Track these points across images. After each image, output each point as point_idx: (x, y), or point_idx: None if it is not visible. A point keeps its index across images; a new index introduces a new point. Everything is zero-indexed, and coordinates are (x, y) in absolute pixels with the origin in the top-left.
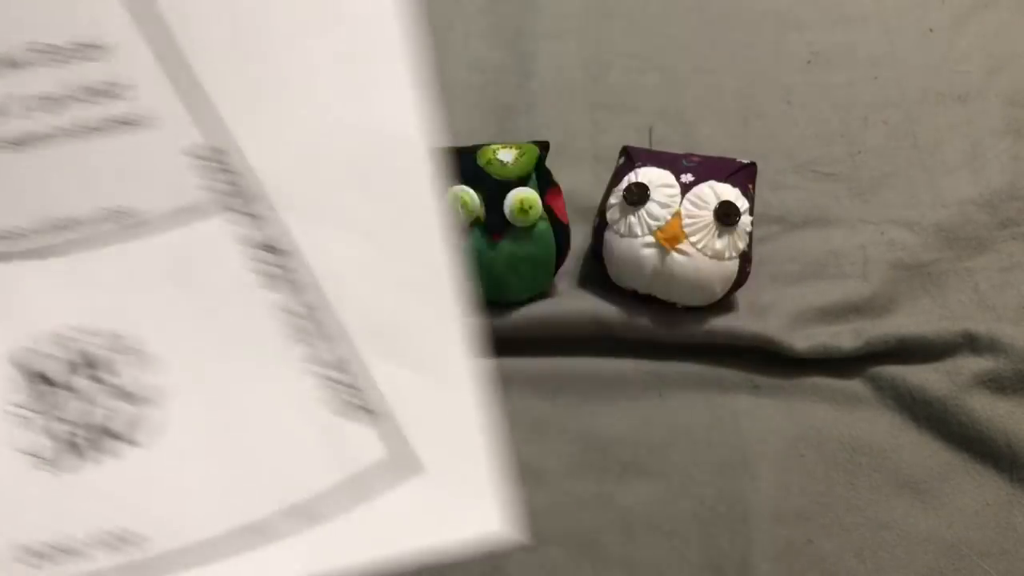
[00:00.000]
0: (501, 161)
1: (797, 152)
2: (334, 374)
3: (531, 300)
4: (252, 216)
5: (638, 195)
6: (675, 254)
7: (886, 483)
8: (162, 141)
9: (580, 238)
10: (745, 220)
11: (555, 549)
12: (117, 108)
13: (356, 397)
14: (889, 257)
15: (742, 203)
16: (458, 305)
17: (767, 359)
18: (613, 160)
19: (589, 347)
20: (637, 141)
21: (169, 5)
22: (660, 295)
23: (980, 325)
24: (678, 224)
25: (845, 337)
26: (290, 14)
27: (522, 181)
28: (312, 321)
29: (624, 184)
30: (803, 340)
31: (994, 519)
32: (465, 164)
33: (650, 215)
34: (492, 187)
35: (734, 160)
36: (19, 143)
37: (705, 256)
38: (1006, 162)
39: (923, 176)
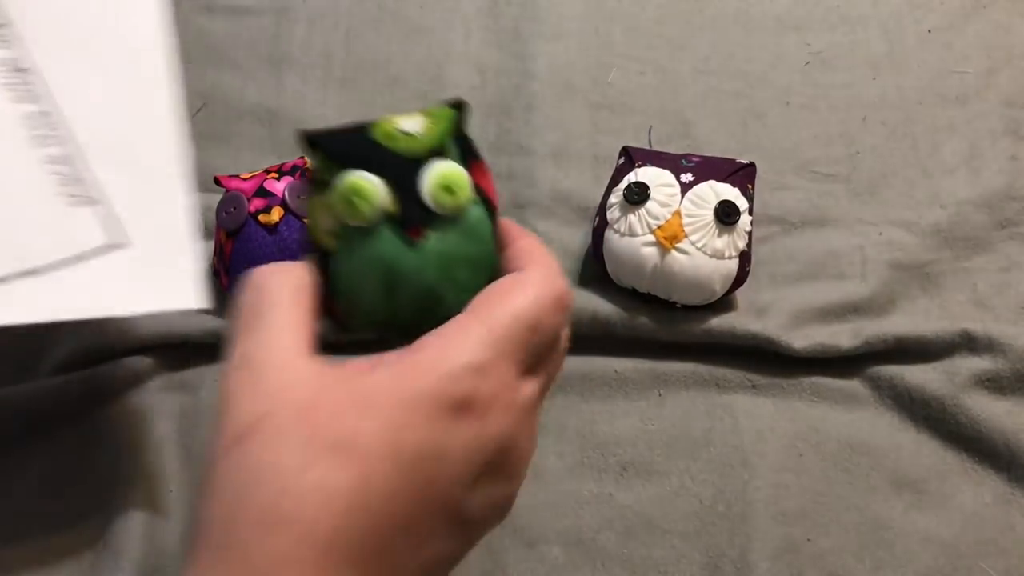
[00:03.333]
0: (405, 132)
1: (796, 152)
2: (65, 171)
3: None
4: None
5: (638, 194)
6: (675, 253)
7: (885, 482)
8: None
9: (580, 238)
10: (745, 220)
11: (555, 549)
12: None
13: (82, 191)
14: (887, 257)
15: (742, 203)
16: (171, 122)
17: (766, 358)
18: (613, 160)
19: (589, 347)
20: (637, 141)
21: None
22: (660, 294)
23: (978, 325)
24: (678, 223)
25: (844, 337)
26: None
27: (438, 154)
28: (49, 128)
29: (624, 184)
30: (802, 340)
31: (992, 518)
32: (356, 143)
33: (650, 214)
34: (399, 167)
35: (733, 160)
36: None
37: (705, 255)
38: (1004, 163)
39: (921, 177)
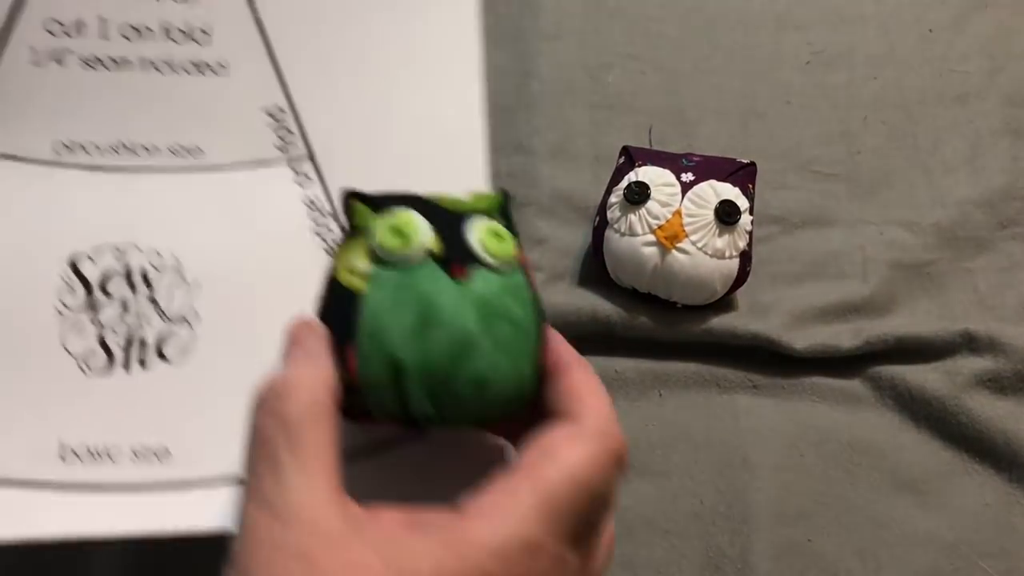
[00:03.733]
0: (453, 198)
1: (797, 152)
2: None
3: (507, 409)
4: (306, 176)
5: (639, 194)
6: (675, 252)
7: (886, 482)
8: (241, 93)
9: (580, 238)
10: (745, 219)
11: None
12: (203, 53)
13: None
14: (888, 257)
15: (742, 202)
16: None
17: (767, 358)
18: (613, 160)
19: (588, 347)
20: (637, 141)
21: None
22: (660, 294)
23: (979, 325)
24: (678, 223)
25: (844, 337)
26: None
27: (485, 215)
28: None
29: (624, 183)
30: (803, 340)
31: (994, 519)
32: (400, 196)
33: (650, 214)
34: (446, 216)
35: (734, 160)
36: (103, 64)
37: (705, 255)
38: (1005, 162)
39: (922, 176)
